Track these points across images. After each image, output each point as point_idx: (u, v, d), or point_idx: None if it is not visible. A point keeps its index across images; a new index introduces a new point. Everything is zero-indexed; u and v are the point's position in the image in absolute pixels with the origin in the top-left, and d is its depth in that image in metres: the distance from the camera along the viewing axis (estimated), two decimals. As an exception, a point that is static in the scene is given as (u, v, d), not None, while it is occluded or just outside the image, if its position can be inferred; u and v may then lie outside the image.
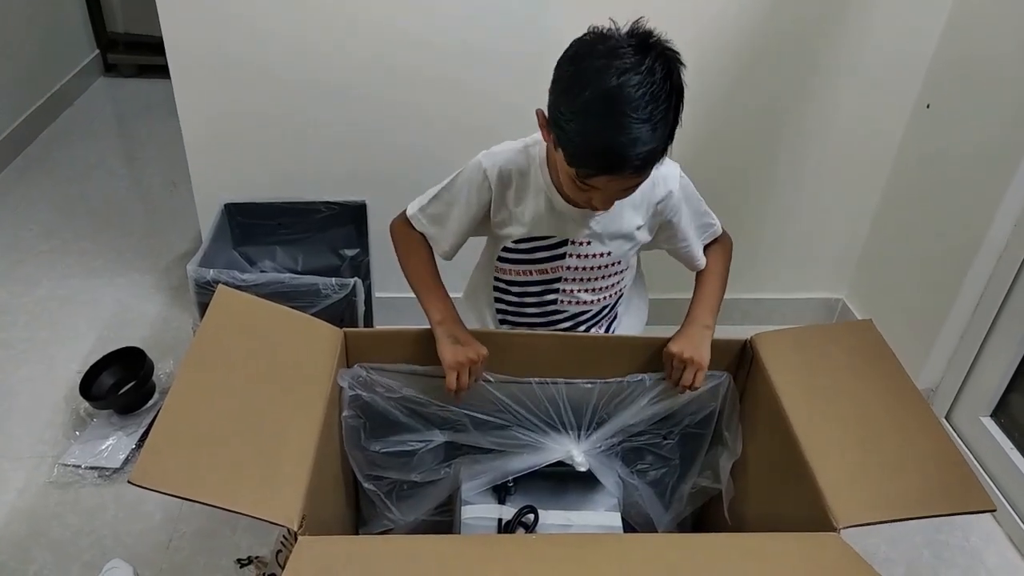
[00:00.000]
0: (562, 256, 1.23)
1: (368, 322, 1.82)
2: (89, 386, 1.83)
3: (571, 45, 1.03)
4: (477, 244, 1.32)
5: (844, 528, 0.95)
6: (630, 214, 1.20)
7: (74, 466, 1.67)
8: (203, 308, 1.23)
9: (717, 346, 1.22)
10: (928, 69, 1.81)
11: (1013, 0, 1.57)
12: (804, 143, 1.93)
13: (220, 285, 1.19)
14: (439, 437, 1.27)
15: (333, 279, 1.44)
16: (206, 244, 1.58)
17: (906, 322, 1.92)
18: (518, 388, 1.23)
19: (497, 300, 1.32)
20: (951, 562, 1.60)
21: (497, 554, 0.92)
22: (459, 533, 1.24)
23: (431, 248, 1.26)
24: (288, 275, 1.44)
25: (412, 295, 1.24)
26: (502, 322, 1.35)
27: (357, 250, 1.80)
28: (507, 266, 1.27)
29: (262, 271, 1.76)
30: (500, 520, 1.24)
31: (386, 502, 1.32)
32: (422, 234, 1.26)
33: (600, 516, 1.27)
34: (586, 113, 0.96)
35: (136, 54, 3.42)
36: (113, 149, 3.02)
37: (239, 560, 1.49)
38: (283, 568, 0.90)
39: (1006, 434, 1.72)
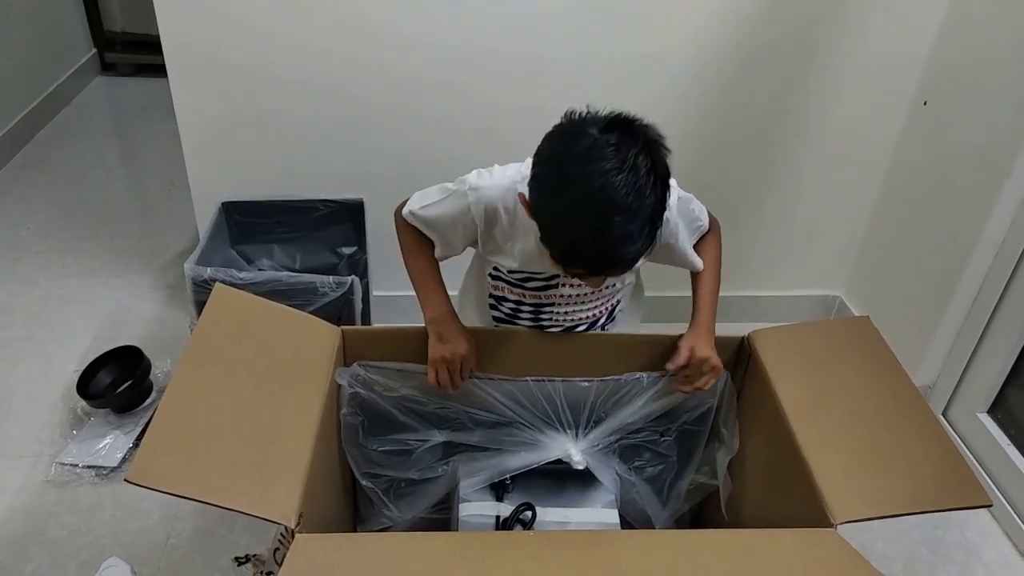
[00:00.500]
0: (555, 286, 1.22)
1: (366, 320, 1.82)
2: (86, 385, 1.83)
3: (547, 141, 0.98)
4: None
5: (841, 524, 0.95)
6: None
7: (71, 465, 1.67)
8: (200, 307, 1.23)
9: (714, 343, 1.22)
10: (925, 66, 1.82)
11: (1010, -3, 1.58)
12: (801, 140, 1.93)
13: (217, 283, 1.19)
14: (437, 436, 1.27)
15: (330, 277, 1.44)
16: (203, 243, 1.58)
17: (903, 319, 1.92)
18: (515, 386, 1.23)
19: (492, 307, 1.32)
20: (948, 558, 1.61)
21: (494, 552, 0.92)
22: (457, 530, 1.24)
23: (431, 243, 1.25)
24: (285, 273, 1.43)
25: (410, 293, 1.24)
26: (497, 320, 1.35)
27: (355, 248, 1.80)
28: (499, 284, 1.26)
29: (260, 269, 1.76)
30: (498, 517, 1.24)
31: (384, 500, 1.33)
32: None
33: (598, 513, 1.27)
34: (570, 218, 0.93)
35: (134, 53, 3.42)
36: (111, 148, 3.01)
37: (237, 558, 1.49)
38: (281, 566, 0.90)
39: (1003, 430, 1.72)
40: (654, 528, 1.34)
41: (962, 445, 1.80)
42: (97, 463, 1.68)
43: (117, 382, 1.85)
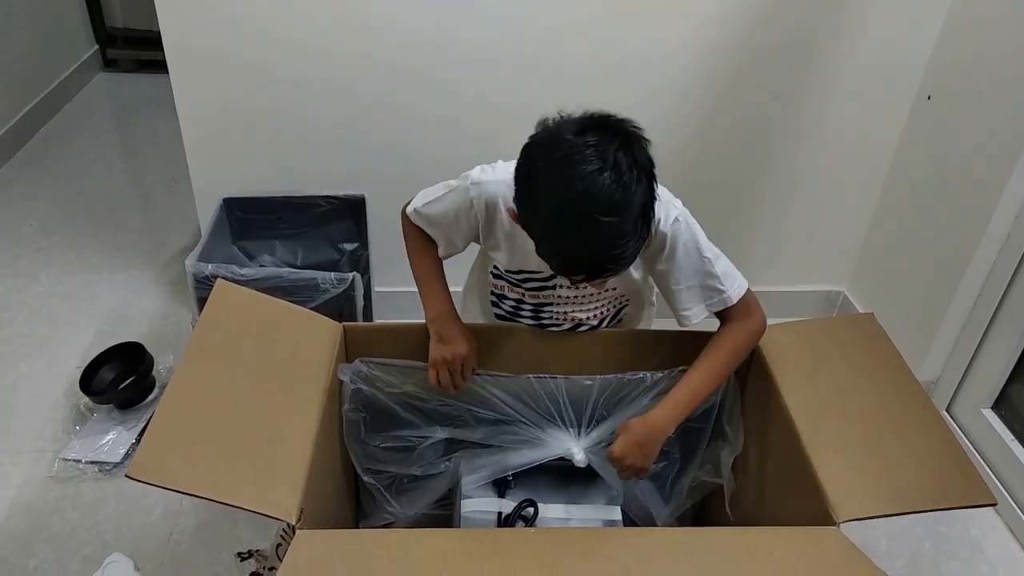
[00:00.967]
0: (552, 287, 1.22)
1: (368, 316, 1.82)
2: (89, 381, 1.83)
3: (525, 154, 0.96)
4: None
5: (844, 522, 0.95)
6: None
7: (74, 461, 1.67)
8: (202, 303, 1.23)
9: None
10: (930, 61, 1.81)
11: (1015, -9, 1.57)
12: (804, 136, 1.92)
13: (219, 279, 1.18)
14: (439, 433, 1.27)
15: (332, 273, 1.44)
16: (205, 239, 1.57)
17: (907, 314, 1.91)
18: (517, 383, 1.23)
19: (493, 304, 1.32)
20: (952, 554, 1.60)
21: (495, 548, 0.92)
22: (459, 526, 1.24)
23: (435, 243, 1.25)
24: (287, 270, 1.43)
25: (412, 289, 1.24)
26: (499, 317, 1.34)
27: (356, 244, 1.80)
28: (500, 282, 1.26)
29: (261, 265, 1.76)
30: (500, 514, 1.24)
31: (386, 496, 1.32)
32: None
33: (600, 510, 1.27)
34: (560, 227, 0.92)
35: (135, 49, 3.42)
36: (113, 145, 3.02)
37: (239, 554, 1.50)
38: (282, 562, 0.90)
39: (1007, 426, 1.72)
40: (656, 525, 1.33)
41: (966, 441, 1.79)
42: (100, 459, 1.68)
43: (120, 378, 1.85)
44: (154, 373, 1.87)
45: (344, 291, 1.45)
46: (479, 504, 1.25)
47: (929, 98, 1.82)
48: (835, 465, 1.02)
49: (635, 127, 0.94)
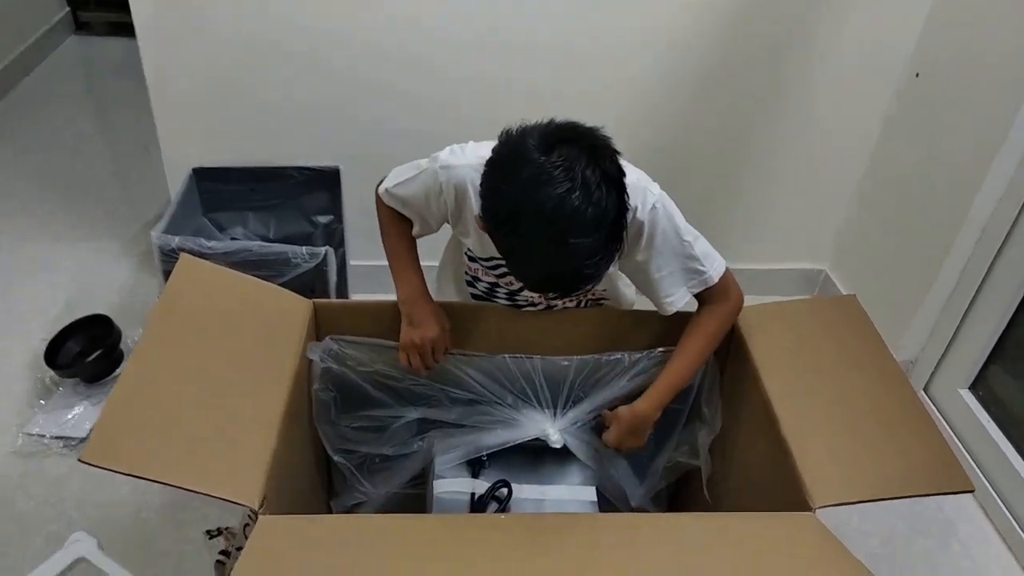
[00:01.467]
0: None
1: (342, 291, 1.78)
2: (55, 354, 1.79)
3: (490, 171, 0.92)
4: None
5: (820, 508, 0.93)
6: None
7: (39, 436, 1.64)
8: (169, 277, 1.19)
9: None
10: (920, 37, 1.77)
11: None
12: (789, 113, 1.89)
13: (183, 254, 1.14)
14: (412, 413, 1.24)
15: (303, 247, 1.40)
16: (172, 210, 1.52)
17: (889, 293, 1.90)
18: (492, 363, 1.20)
19: (468, 284, 1.28)
20: (925, 532, 1.61)
21: (463, 536, 0.89)
22: (431, 507, 1.22)
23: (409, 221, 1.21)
24: (256, 243, 1.39)
25: (388, 263, 1.21)
26: (475, 297, 1.31)
27: (331, 217, 1.75)
28: (474, 265, 1.23)
29: (233, 238, 1.71)
30: (473, 494, 1.22)
31: (357, 476, 1.30)
32: None
33: (575, 491, 1.25)
34: (531, 248, 0.89)
35: (108, 11, 3.31)
36: (84, 111, 2.92)
37: (208, 531, 1.47)
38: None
39: (984, 407, 1.72)
40: (631, 504, 1.32)
41: (942, 421, 1.79)
42: (65, 434, 1.65)
43: (86, 351, 1.81)
44: (122, 346, 1.82)
45: (316, 266, 1.41)
46: (452, 485, 1.23)
47: (917, 75, 1.79)
48: (813, 449, 1.00)
49: (602, 137, 0.91)
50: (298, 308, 1.18)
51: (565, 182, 0.85)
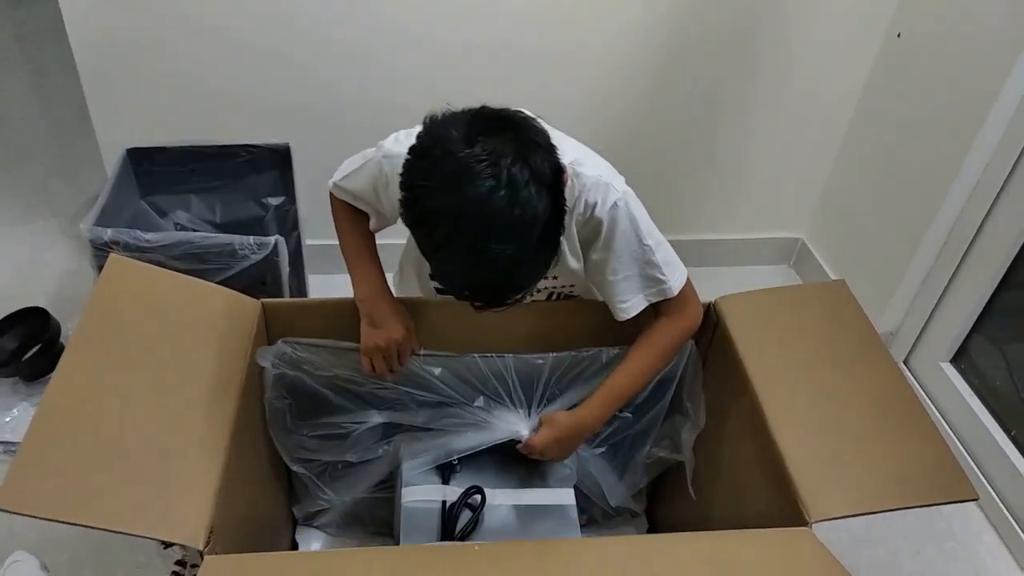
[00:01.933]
0: None
1: (299, 278, 1.67)
2: (-12, 352, 1.66)
3: (409, 166, 0.82)
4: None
5: (816, 522, 0.87)
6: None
7: (-26, 442, 1.52)
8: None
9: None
10: (901, -5, 1.68)
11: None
12: (767, 74, 1.79)
13: (112, 255, 1.02)
14: (376, 417, 1.16)
15: (251, 238, 1.28)
16: (104, 198, 1.38)
17: (868, 263, 1.85)
18: (461, 363, 1.12)
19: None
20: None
21: (433, 571, 0.81)
22: (399, 517, 1.14)
23: (365, 215, 1.10)
24: (199, 234, 1.27)
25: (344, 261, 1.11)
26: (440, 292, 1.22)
27: (283, 198, 1.63)
28: None
29: (176, 223, 1.58)
30: (444, 502, 1.15)
31: (318, 484, 1.22)
32: None
33: (552, 493, 1.18)
34: (449, 253, 0.80)
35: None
36: (16, 77, 2.71)
37: (163, 542, 1.38)
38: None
39: (965, 380, 1.68)
40: (610, 502, 1.26)
41: (922, 393, 1.75)
42: (4, 438, 1.54)
43: (24, 347, 1.69)
44: (62, 339, 1.70)
45: (266, 257, 1.30)
46: (422, 492, 1.16)
47: (899, 36, 1.70)
48: (805, 453, 0.94)
49: (537, 129, 0.82)
50: (245, 309, 1.08)
51: (489, 179, 0.75)
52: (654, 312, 1.07)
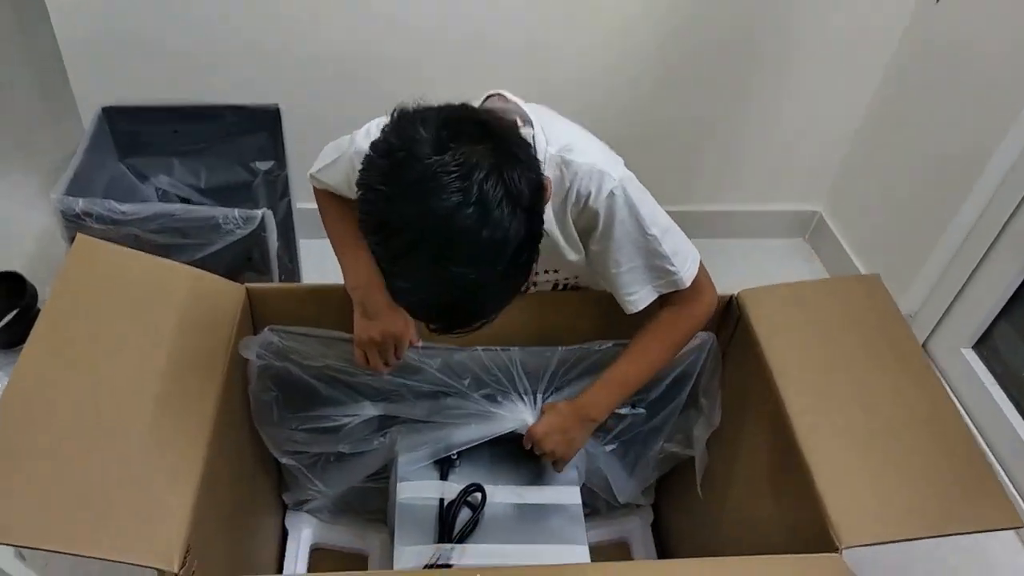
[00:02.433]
0: None
1: (290, 246, 1.58)
2: (-38, 319, 1.57)
3: (368, 168, 0.72)
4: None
5: (847, 548, 0.80)
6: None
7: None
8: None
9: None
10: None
11: None
12: (792, 35, 1.68)
13: (79, 235, 0.93)
14: (370, 410, 1.08)
15: (236, 211, 1.18)
16: (77, 162, 1.28)
17: (890, 240, 1.76)
18: (464, 356, 1.04)
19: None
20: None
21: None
22: (393, 514, 1.08)
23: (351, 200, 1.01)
24: (180, 206, 1.17)
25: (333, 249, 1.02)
26: None
27: (272, 163, 1.52)
28: None
29: (158, 188, 1.48)
30: (442, 500, 1.08)
31: (308, 476, 1.16)
32: None
33: (557, 492, 1.11)
34: (407, 266, 0.70)
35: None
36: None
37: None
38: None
39: (988, 368, 1.61)
40: (619, 500, 1.19)
41: (942, 380, 1.67)
42: (-21, 411, 1.45)
43: (-1, 314, 1.60)
44: (39, 306, 1.61)
45: (252, 231, 1.20)
46: (418, 488, 1.09)
47: (937, 2, 1.58)
48: (835, 468, 0.86)
49: (520, 140, 0.73)
50: (227, 295, 1.00)
51: (456, 193, 0.66)
52: (663, 299, 0.98)
